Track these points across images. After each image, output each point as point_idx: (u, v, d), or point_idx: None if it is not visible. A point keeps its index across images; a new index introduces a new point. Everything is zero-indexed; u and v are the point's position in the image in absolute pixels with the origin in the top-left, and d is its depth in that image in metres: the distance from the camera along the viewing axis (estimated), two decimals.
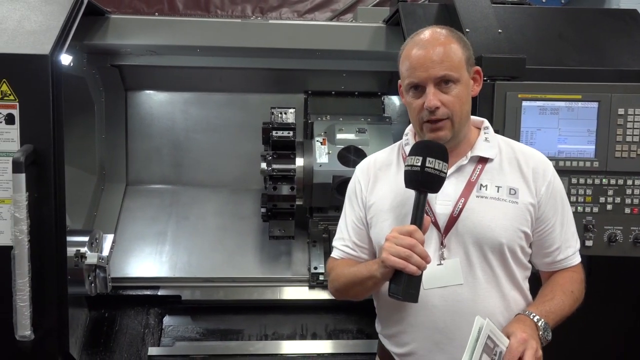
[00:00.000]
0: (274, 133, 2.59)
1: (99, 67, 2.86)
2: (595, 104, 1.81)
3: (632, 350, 2.12)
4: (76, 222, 2.74)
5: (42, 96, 1.88)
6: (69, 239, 2.25)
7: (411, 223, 1.29)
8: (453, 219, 1.39)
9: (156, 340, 2.69)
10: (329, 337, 2.74)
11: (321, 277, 2.76)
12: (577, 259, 1.49)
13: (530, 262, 1.49)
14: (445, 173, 1.31)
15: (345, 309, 2.79)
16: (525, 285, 1.47)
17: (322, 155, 2.64)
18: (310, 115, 2.92)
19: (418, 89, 1.38)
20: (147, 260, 2.85)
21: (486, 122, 1.51)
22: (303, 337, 2.74)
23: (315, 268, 2.76)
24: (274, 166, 2.58)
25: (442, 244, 1.39)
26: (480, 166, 1.43)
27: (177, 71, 2.96)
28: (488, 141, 1.46)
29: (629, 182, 1.82)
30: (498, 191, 1.40)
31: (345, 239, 1.56)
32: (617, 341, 2.12)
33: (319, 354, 2.65)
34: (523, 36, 2.10)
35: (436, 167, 1.29)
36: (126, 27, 2.46)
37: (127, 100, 3.06)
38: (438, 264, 1.38)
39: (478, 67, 1.47)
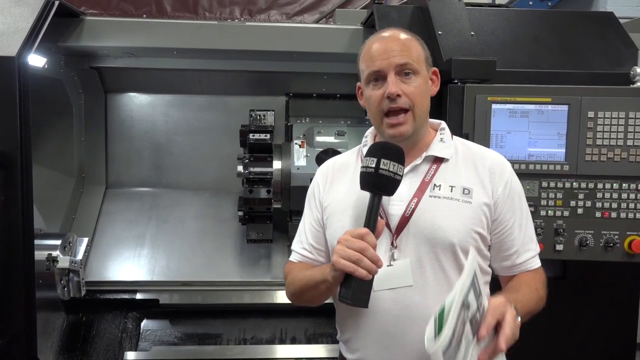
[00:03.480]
0: (250, 136, 2.57)
1: (78, 69, 2.85)
2: (565, 107, 1.79)
3: (604, 352, 2.11)
4: (53, 225, 2.72)
5: (9, 98, 1.85)
6: (42, 242, 2.24)
7: (364, 226, 1.26)
8: (405, 219, 1.37)
9: (134, 344, 2.67)
10: (308, 341, 2.72)
11: None
12: (537, 263, 1.46)
13: (490, 267, 1.45)
14: (401, 176, 1.28)
15: (325, 313, 2.75)
16: (485, 292, 1.40)
17: (300, 158, 2.63)
18: (290, 118, 2.91)
19: (378, 80, 1.37)
20: (125, 264, 2.84)
21: (443, 124, 1.50)
22: (282, 342, 2.72)
23: None
24: (251, 169, 2.56)
25: (393, 244, 1.37)
26: (435, 166, 1.42)
27: (156, 73, 2.95)
28: (443, 141, 1.45)
29: (600, 185, 1.80)
30: (451, 191, 1.38)
31: (302, 242, 1.53)
32: (591, 343, 2.10)
33: (297, 358, 2.64)
34: (497, 39, 2.08)
35: (391, 169, 1.26)
36: (101, 28, 2.44)
37: (106, 102, 3.04)
38: (388, 265, 1.35)
39: (435, 68, 1.47)
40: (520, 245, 1.42)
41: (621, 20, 2.29)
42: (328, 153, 2.64)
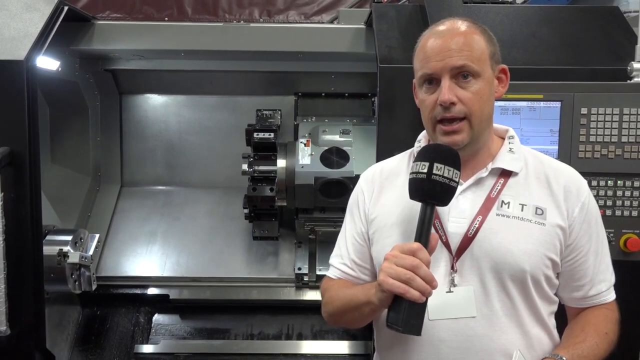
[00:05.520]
0: (255, 135, 2.62)
1: (93, 71, 2.95)
2: (557, 104, 1.77)
3: None
4: (69, 222, 2.83)
5: (18, 100, 1.94)
6: (54, 238, 2.33)
7: (415, 240, 1.11)
8: (468, 240, 1.20)
9: (145, 338, 2.75)
10: (314, 337, 2.76)
11: (305, 278, 2.79)
12: (611, 296, 1.30)
13: (556, 295, 1.29)
14: (457, 182, 1.12)
15: None
16: (551, 323, 1.28)
17: (305, 156, 2.66)
18: (298, 117, 2.95)
19: (432, 82, 1.21)
20: (138, 260, 2.93)
21: (512, 131, 1.33)
22: (289, 337, 2.77)
23: (300, 269, 2.78)
24: (255, 167, 2.61)
25: (453, 268, 1.21)
26: (502, 180, 1.25)
27: (169, 75, 3.03)
28: (513, 152, 1.27)
29: (594, 183, 1.77)
30: (522, 210, 1.22)
31: (343, 257, 1.37)
32: None
33: (303, 354, 2.67)
34: (495, 36, 2.06)
35: (445, 175, 1.10)
36: (111, 32, 2.53)
37: (121, 104, 3.14)
38: (447, 292, 1.19)
39: (504, 66, 1.28)
40: (594, 275, 1.27)
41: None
42: (332, 152, 2.67)
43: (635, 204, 1.76)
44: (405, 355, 1.24)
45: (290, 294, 2.84)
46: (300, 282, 2.78)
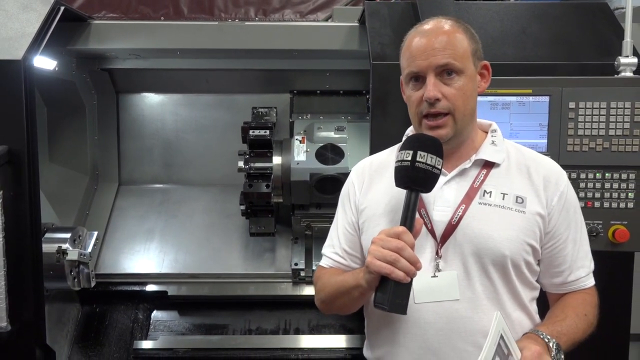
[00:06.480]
0: (250, 132, 2.65)
1: (89, 71, 2.97)
2: (546, 98, 1.81)
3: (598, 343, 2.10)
4: (68, 220, 2.85)
5: (16, 99, 1.97)
6: (53, 235, 2.36)
7: (400, 224, 1.17)
8: (451, 227, 1.28)
9: (144, 334, 2.78)
10: (311, 332, 2.79)
11: (302, 274, 2.82)
12: (590, 282, 1.37)
13: (538, 282, 1.37)
14: (439, 169, 1.20)
15: None
16: (533, 308, 1.35)
17: (300, 153, 2.69)
18: (293, 115, 2.98)
19: (418, 80, 1.29)
20: (136, 257, 2.95)
21: (494, 125, 1.40)
22: (286, 332, 2.79)
23: (296, 264, 2.81)
24: (251, 164, 2.64)
25: (437, 254, 1.27)
26: (485, 171, 1.32)
27: (165, 74, 3.06)
28: (495, 145, 1.35)
29: (582, 175, 1.81)
30: (503, 199, 1.29)
31: (335, 246, 1.44)
32: None
33: (300, 349, 2.70)
34: (485, 33, 2.10)
35: (428, 162, 1.18)
36: (107, 31, 2.55)
37: (118, 103, 3.16)
38: (432, 276, 1.26)
39: (486, 62, 1.36)
40: (573, 262, 1.34)
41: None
42: (327, 148, 2.70)
43: (622, 195, 1.80)
44: (392, 337, 1.31)
45: (287, 289, 2.87)
46: (296, 278, 2.81)
